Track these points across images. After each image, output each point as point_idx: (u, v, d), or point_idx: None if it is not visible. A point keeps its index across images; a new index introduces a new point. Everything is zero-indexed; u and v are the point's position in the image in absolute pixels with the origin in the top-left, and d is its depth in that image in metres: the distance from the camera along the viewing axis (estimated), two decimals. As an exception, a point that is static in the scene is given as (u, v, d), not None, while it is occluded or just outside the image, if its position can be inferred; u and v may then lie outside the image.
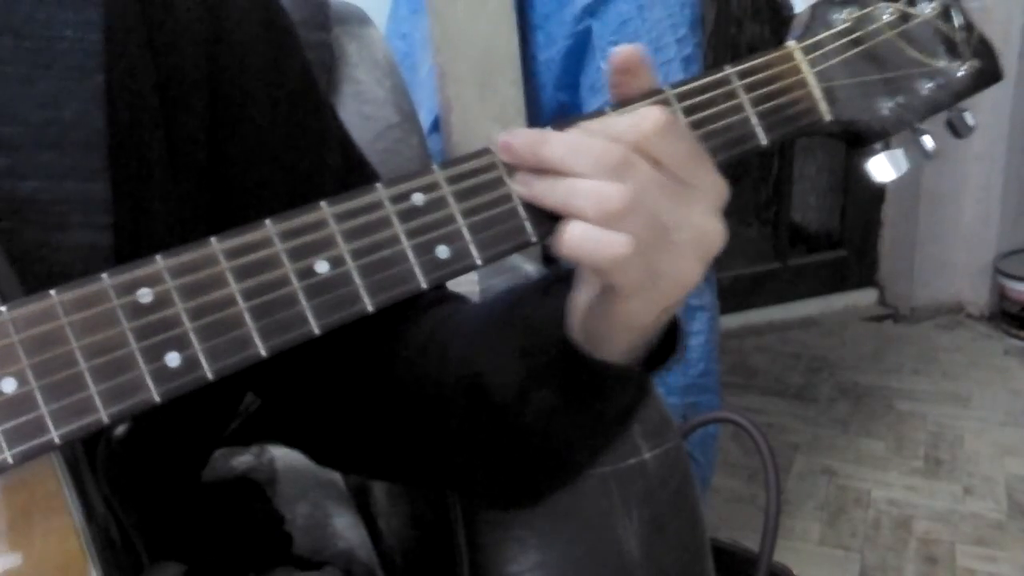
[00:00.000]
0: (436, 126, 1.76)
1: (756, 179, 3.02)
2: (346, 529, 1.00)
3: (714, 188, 0.51)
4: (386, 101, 1.44)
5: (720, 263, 2.74)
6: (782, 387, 2.56)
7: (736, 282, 2.83)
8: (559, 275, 0.59)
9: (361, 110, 1.42)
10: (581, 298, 0.54)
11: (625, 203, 0.47)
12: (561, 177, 0.49)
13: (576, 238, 0.48)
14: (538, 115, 1.79)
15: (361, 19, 1.46)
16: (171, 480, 0.69)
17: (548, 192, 0.49)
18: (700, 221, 0.49)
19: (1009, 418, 2.37)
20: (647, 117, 0.50)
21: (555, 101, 1.81)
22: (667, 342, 0.56)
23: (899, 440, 2.30)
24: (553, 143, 0.50)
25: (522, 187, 0.50)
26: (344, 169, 0.69)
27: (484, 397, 0.59)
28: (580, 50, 1.73)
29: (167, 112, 0.60)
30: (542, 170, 0.50)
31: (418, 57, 1.81)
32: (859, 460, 2.24)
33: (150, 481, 0.63)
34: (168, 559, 0.67)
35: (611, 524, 0.97)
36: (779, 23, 2.83)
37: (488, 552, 0.95)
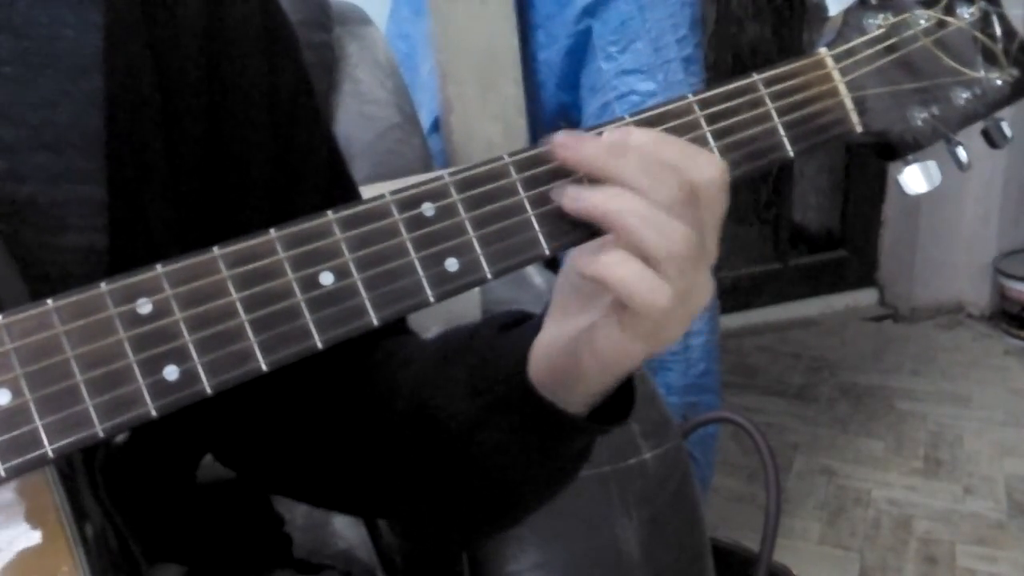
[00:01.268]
0: (436, 126, 1.76)
1: (756, 179, 3.02)
2: (345, 529, 1.00)
3: (714, 253, 0.50)
4: (387, 101, 1.44)
5: (720, 263, 2.74)
6: (782, 387, 2.56)
7: (736, 282, 2.83)
8: (518, 313, 0.58)
9: (362, 110, 1.42)
10: (553, 336, 0.52)
11: (690, 250, 0.46)
12: (630, 194, 0.46)
13: (628, 278, 0.45)
14: (539, 115, 1.79)
15: (362, 19, 1.46)
16: (169, 482, 0.68)
17: (618, 210, 0.46)
18: (705, 281, 0.48)
19: (1009, 418, 2.37)
20: (714, 165, 0.48)
21: (556, 101, 1.81)
22: (617, 398, 0.55)
23: (899, 440, 2.30)
24: (631, 156, 0.47)
25: (571, 201, 0.47)
26: (327, 176, 0.69)
27: (433, 427, 0.58)
28: (580, 50, 1.73)
29: (167, 114, 0.59)
30: (598, 179, 0.47)
31: (419, 57, 1.81)
32: (859, 460, 2.23)
33: (148, 485, 0.63)
34: (168, 561, 0.67)
35: (611, 523, 0.97)
36: (780, 23, 2.83)
37: (488, 551, 0.95)
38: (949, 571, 1.89)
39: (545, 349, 0.52)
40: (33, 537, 0.43)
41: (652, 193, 0.46)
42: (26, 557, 0.42)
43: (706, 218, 0.48)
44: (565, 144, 0.48)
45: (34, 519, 0.43)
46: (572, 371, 0.50)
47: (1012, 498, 2.07)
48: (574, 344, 0.50)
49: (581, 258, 0.47)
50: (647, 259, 0.46)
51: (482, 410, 0.55)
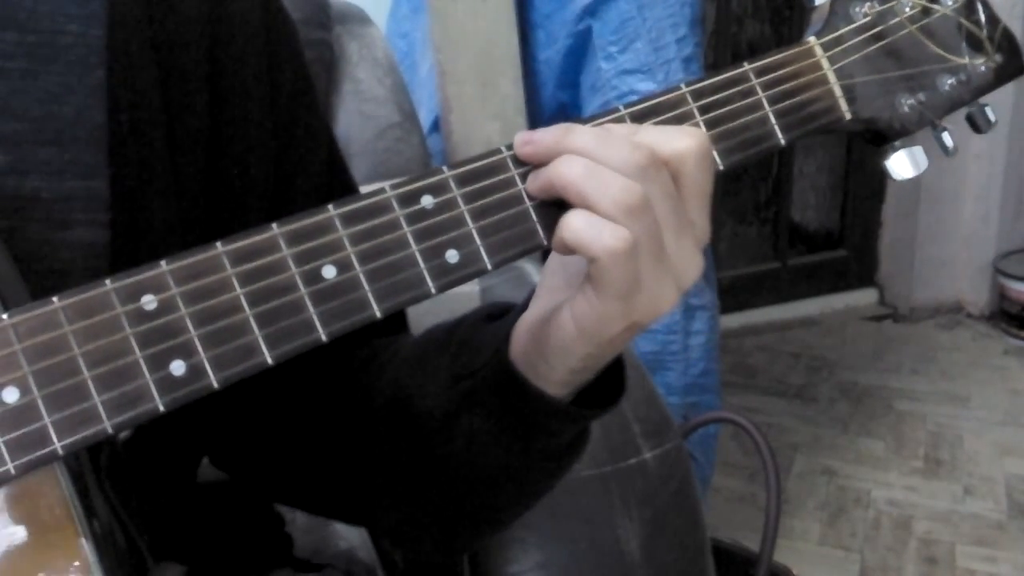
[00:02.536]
0: (436, 125, 1.76)
1: (756, 178, 3.02)
2: (347, 529, 1.00)
3: (705, 229, 0.50)
4: (386, 100, 1.44)
5: (720, 263, 2.75)
6: (782, 387, 2.56)
7: (736, 282, 2.83)
8: (504, 305, 0.58)
9: (361, 109, 1.42)
10: (538, 312, 0.52)
11: (640, 200, 0.46)
12: (576, 157, 0.48)
13: (580, 227, 0.46)
14: (538, 114, 1.79)
15: (362, 18, 1.46)
16: (172, 481, 0.68)
17: (564, 171, 0.47)
18: (690, 252, 0.49)
19: (1008, 418, 2.37)
20: (689, 136, 0.49)
21: (555, 100, 1.81)
22: (608, 391, 0.55)
23: (899, 440, 2.30)
24: (581, 131, 0.48)
25: (533, 181, 0.49)
26: (327, 174, 0.69)
27: (412, 418, 0.58)
28: (580, 49, 1.73)
29: (168, 109, 0.59)
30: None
31: (418, 56, 1.81)
32: (859, 460, 2.24)
33: (152, 483, 0.63)
34: (169, 560, 0.67)
35: (612, 524, 0.97)
36: (780, 22, 2.83)
37: (489, 552, 0.95)
38: (949, 571, 1.89)
39: (528, 324, 0.53)
40: (19, 534, 0.43)
41: (598, 155, 0.47)
42: (32, 553, 0.42)
43: (685, 188, 0.49)
44: (523, 141, 0.49)
45: (37, 512, 0.43)
46: (552, 339, 0.50)
47: (1012, 498, 2.07)
48: (555, 311, 0.50)
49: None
50: (597, 211, 0.47)
51: (462, 396, 0.55)
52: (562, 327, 0.50)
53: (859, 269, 2.97)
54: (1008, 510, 2.04)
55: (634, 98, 1.77)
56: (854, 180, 2.91)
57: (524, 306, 0.55)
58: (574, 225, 0.47)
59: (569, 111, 1.81)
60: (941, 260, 2.84)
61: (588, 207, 0.47)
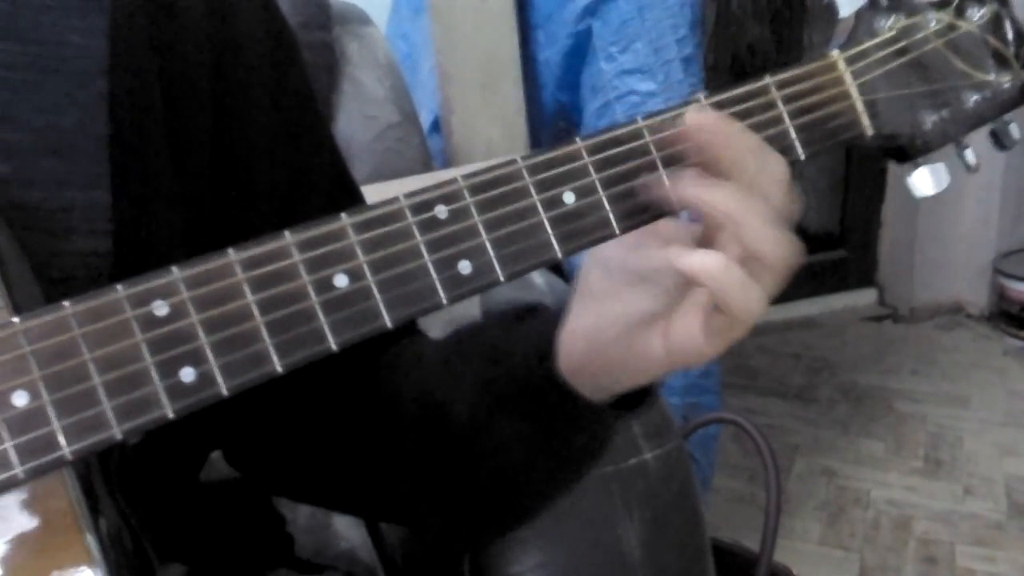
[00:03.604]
0: (436, 126, 1.76)
1: (756, 179, 3.01)
2: (347, 529, 1.00)
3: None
4: (387, 101, 1.44)
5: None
6: (782, 388, 2.56)
7: (736, 282, 2.83)
8: (527, 305, 0.57)
9: (362, 110, 1.42)
10: (590, 325, 0.51)
11: (784, 258, 0.47)
12: (756, 198, 0.47)
13: (729, 283, 0.46)
14: (539, 115, 1.79)
15: (362, 19, 1.46)
16: (174, 482, 0.68)
17: (739, 210, 0.47)
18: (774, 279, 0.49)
19: (1008, 418, 2.37)
20: (784, 166, 0.50)
21: (556, 101, 1.81)
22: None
23: (899, 441, 2.31)
24: (744, 151, 0.49)
25: (685, 187, 0.48)
26: (332, 180, 0.69)
27: (442, 423, 0.58)
28: (581, 50, 1.73)
29: (171, 119, 0.59)
30: (710, 170, 0.48)
31: (419, 57, 1.81)
32: (859, 461, 2.24)
33: (156, 484, 0.63)
34: (170, 561, 0.67)
35: (612, 524, 0.97)
36: (780, 23, 2.83)
37: (489, 552, 0.95)
38: (949, 571, 1.89)
39: (584, 334, 0.52)
40: (25, 536, 0.43)
41: (767, 197, 0.48)
42: (39, 555, 0.42)
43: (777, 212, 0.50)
44: (700, 124, 0.49)
45: (43, 514, 0.43)
46: (632, 362, 0.50)
47: (1011, 498, 2.07)
48: (638, 333, 0.50)
49: (672, 250, 0.47)
50: (756, 264, 0.47)
51: (495, 401, 0.55)
52: (648, 354, 0.49)
53: (859, 270, 2.97)
54: (1008, 510, 2.04)
55: (634, 98, 1.76)
56: (854, 181, 2.91)
57: (557, 311, 0.54)
58: (719, 277, 0.46)
59: (569, 112, 1.81)
60: (941, 261, 2.84)
61: (743, 258, 0.47)
